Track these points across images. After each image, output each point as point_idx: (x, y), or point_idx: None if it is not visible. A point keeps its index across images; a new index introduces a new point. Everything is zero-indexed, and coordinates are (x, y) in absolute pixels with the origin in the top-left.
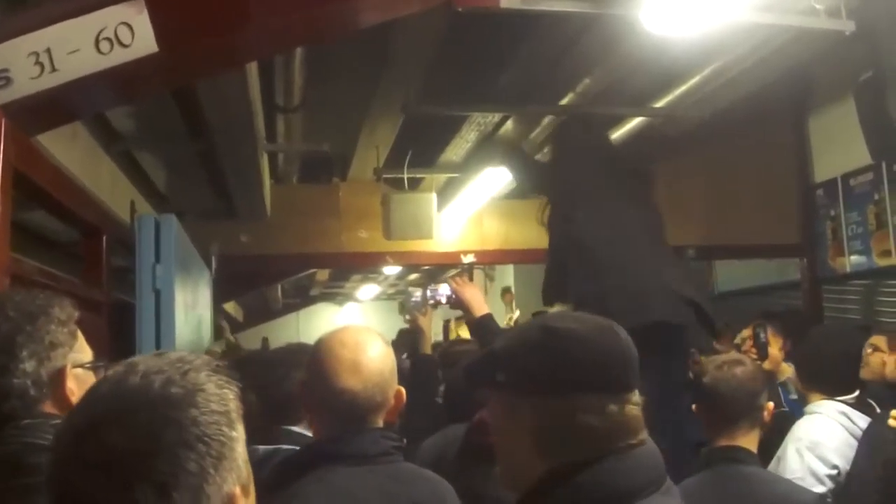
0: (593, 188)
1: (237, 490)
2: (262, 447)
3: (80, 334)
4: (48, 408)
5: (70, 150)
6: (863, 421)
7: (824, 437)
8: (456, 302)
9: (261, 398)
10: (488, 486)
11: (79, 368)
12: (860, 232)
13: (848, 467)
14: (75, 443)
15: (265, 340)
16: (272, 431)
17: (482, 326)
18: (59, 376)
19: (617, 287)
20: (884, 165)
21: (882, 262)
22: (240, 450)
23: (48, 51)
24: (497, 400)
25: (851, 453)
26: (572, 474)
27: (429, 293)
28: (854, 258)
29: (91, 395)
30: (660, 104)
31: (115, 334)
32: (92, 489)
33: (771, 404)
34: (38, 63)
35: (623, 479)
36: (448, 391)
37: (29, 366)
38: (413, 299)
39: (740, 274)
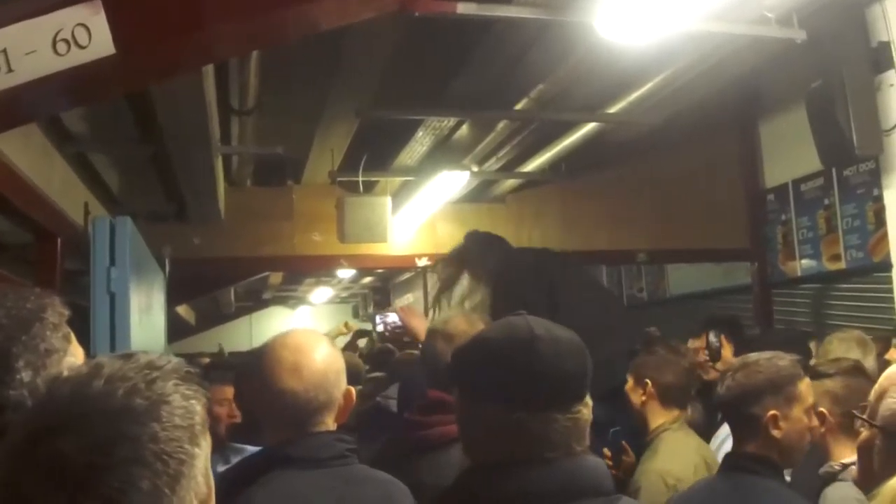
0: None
1: None
2: (249, 447)
3: (72, 336)
4: None
5: (23, 151)
6: None
7: None
8: (403, 327)
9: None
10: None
11: None
12: (811, 236)
13: None
14: (29, 445)
15: (220, 347)
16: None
17: None
18: None
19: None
20: (834, 171)
21: (831, 267)
22: (200, 465)
23: (4, 51)
24: None
25: None
26: (466, 473)
27: (378, 318)
28: (805, 262)
29: (51, 395)
30: (613, 110)
31: None
32: (39, 496)
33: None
34: None
35: (506, 485)
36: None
37: (25, 376)
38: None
39: (692, 278)
